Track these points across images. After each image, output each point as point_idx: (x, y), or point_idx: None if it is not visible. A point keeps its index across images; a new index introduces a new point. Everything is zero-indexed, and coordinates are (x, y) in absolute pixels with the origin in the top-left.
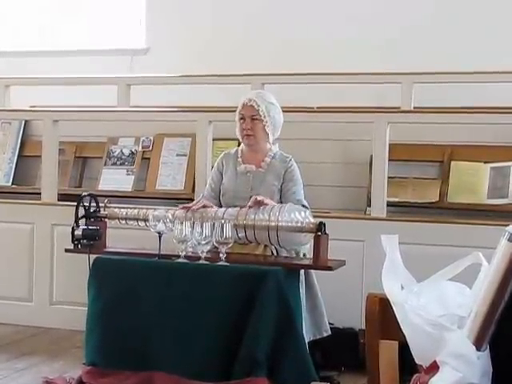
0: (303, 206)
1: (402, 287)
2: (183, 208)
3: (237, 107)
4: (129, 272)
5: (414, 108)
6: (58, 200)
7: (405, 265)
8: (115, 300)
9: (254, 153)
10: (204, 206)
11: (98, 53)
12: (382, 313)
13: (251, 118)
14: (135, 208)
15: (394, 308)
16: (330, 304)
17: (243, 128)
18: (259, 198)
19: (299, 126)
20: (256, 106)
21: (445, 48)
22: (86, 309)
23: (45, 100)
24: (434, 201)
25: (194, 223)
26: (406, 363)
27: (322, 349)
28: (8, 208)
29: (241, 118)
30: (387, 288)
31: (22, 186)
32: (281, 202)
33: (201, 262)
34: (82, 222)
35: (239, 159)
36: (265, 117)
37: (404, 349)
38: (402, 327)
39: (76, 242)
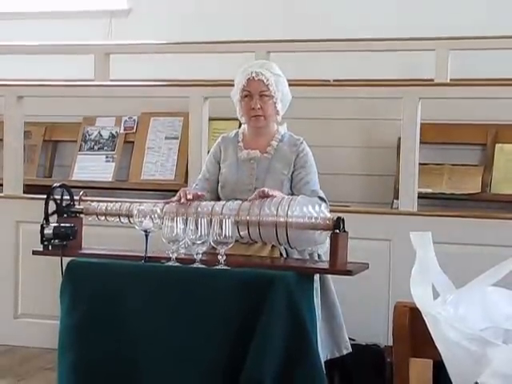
0: (319, 197)
1: (438, 294)
2: (168, 203)
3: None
4: (109, 278)
5: (451, 80)
6: (24, 192)
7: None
8: (93, 311)
9: (258, 136)
10: (194, 197)
11: (71, 15)
12: (413, 326)
13: (260, 94)
14: (117, 201)
15: (425, 320)
16: (351, 316)
17: (251, 107)
18: (262, 190)
19: (312, 103)
20: (265, 80)
21: (486, 9)
22: (59, 323)
23: (7, 72)
24: (474, 192)
25: (187, 219)
26: None
27: (341, 369)
28: None
29: (245, 96)
30: (416, 296)
31: None
32: (292, 194)
33: (196, 265)
34: (52, 218)
35: (240, 144)
36: (275, 92)
37: (439, 368)
38: (436, 343)
39: (46, 243)
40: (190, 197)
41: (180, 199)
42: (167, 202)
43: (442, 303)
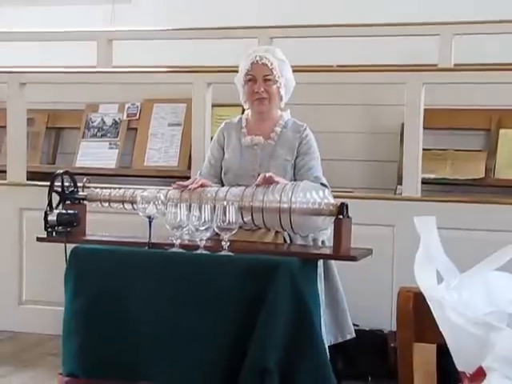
0: (322, 184)
1: (442, 279)
2: (178, 186)
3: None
4: (113, 264)
5: (455, 65)
6: (27, 180)
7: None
8: (98, 298)
9: (261, 121)
10: (202, 185)
11: (73, 1)
12: (416, 311)
13: (264, 78)
14: (120, 188)
15: (430, 305)
16: (354, 301)
17: (254, 91)
18: (268, 175)
19: (315, 89)
20: (269, 64)
21: None
22: (63, 309)
23: (9, 59)
24: (478, 177)
25: (190, 206)
26: (446, 370)
27: (344, 355)
28: None
29: (249, 80)
30: (421, 280)
31: None
32: (295, 181)
33: (199, 251)
34: (56, 205)
35: (244, 129)
36: (279, 77)
37: (443, 353)
38: (440, 327)
39: (50, 230)
40: (194, 185)
41: (190, 185)
42: (179, 185)
43: (446, 288)
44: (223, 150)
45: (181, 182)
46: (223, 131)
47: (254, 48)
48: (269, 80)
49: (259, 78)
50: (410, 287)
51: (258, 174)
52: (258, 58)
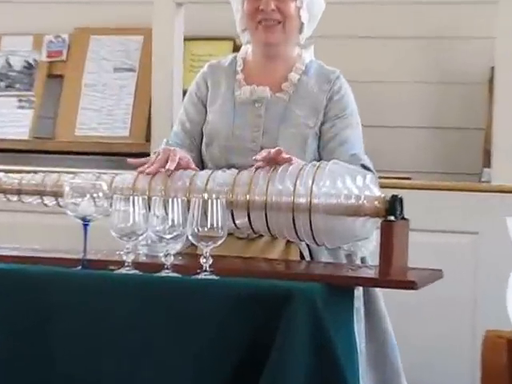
0: (362, 166)
1: None
2: (137, 164)
3: None
4: (26, 292)
5: None
6: None
7: None
8: (7, 344)
9: (268, 62)
10: (180, 166)
11: None
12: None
13: None
14: (37, 171)
15: None
16: (412, 353)
17: (259, 8)
18: (275, 150)
19: (352, 15)
20: None
21: None
22: None
23: None
24: None
25: (150, 200)
26: None
27: None
28: None
29: None
30: None
31: None
32: (320, 159)
33: (164, 273)
34: None
35: (239, 75)
36: None
37: None
38: None
39: None
40: (171, 166)
41: (160, 163)
42: (140, 172)
43: None
44: (205, 107)
45: (142, 159)
46: (206, 78)
47: None
48: None
49: None
50: (501, 331)
51: (261, 148)
52: None
